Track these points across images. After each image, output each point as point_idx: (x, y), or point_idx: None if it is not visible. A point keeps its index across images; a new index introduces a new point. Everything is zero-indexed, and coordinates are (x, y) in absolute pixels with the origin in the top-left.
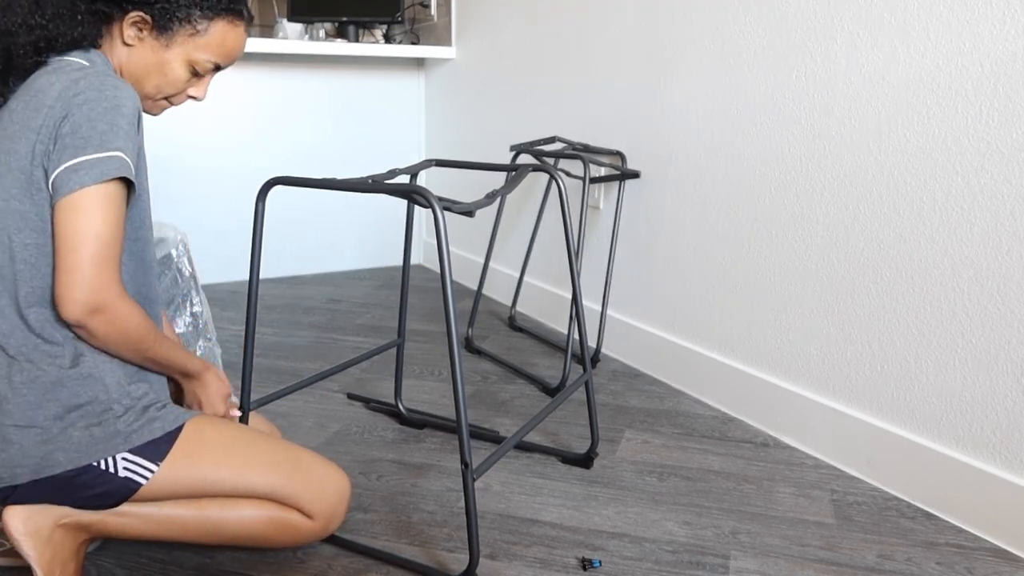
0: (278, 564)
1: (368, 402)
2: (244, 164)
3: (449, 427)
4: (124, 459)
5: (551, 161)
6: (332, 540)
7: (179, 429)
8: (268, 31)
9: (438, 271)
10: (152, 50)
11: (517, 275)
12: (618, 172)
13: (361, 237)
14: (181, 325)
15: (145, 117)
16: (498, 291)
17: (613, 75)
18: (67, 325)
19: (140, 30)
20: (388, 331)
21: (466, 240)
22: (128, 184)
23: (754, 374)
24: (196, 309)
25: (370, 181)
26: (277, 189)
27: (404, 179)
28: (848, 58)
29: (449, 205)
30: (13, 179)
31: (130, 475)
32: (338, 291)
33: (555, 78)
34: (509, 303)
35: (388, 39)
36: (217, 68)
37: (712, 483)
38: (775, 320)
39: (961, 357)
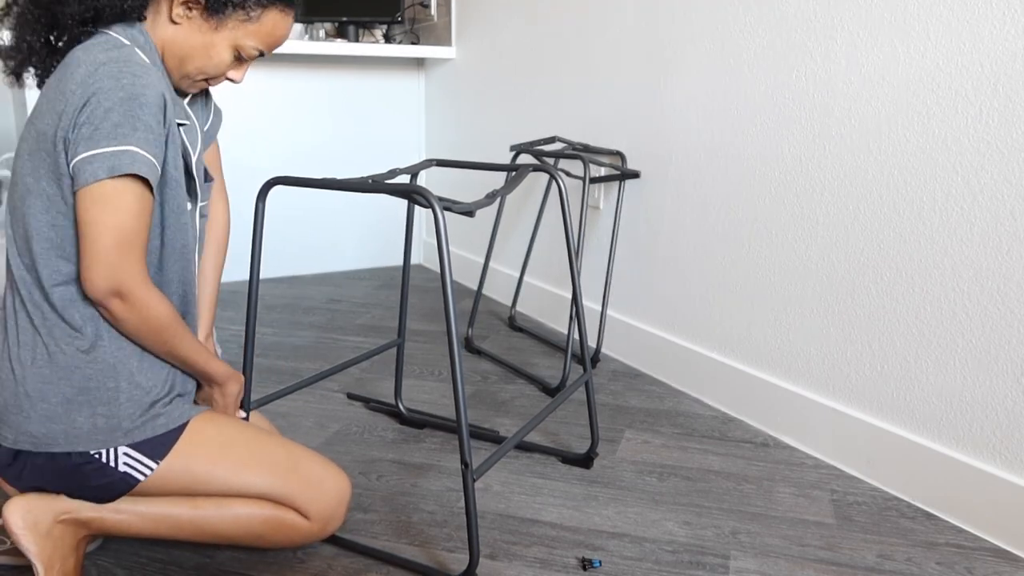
0: (278, 564)
1: (368, 402)
2: (244, 164)
3: (449, 427)
4: (125, 454)
5: (551, 161)
6: (332, 540)
7: (182, 427)
8: None
9: (438, 271)
10: (200, 31)
11: (517, 275)
12: (618, 172)
13: (361, 237)
14: None
15: None
16: (498, 291)
17: (613, 75)
18: (92, 305)
19: (190, 9)
20: (388, 331)
21: (466, 240)
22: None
23: (754, 374)
24: None
25: (370, 181)
26: (277, 189)
27: (404, 179)
28: (848, 58)
29: (449, 205)
30: (42, 160)
31: (129, 471)
32: (338, 291)
33: (555, 78)
34: (509, 303)
35: (388, 39)
36: (261, 54)
37: (712, 483)
38: (775, 320)
39: (961, 357)
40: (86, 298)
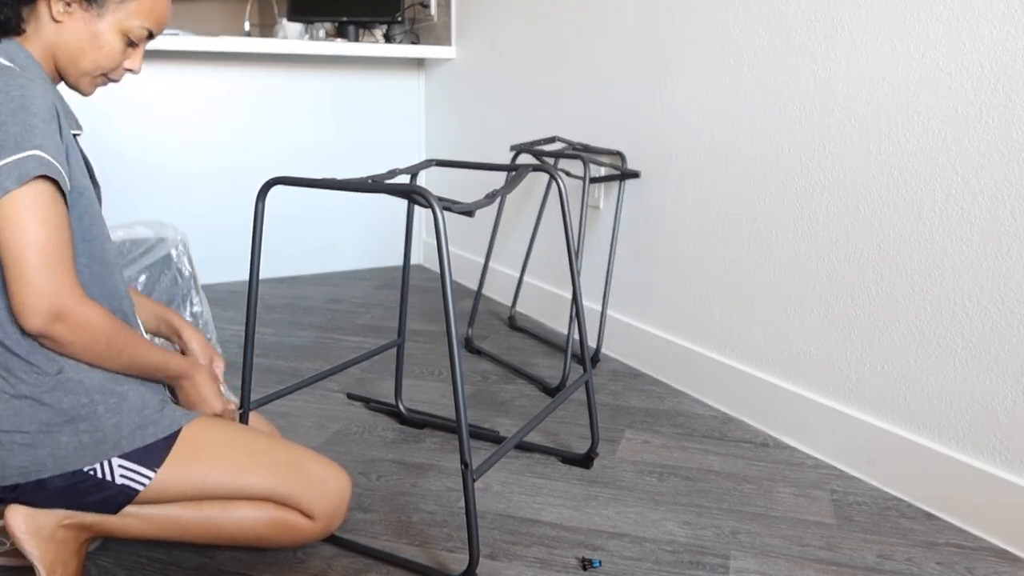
0: (278, 564)
1: (368, 402)
2: (244, 164)
3: (449, 427)
4: (121, 466)
5: (551, 161)
6: (332, 540)
7: (175, 434)
8: (268, 31)
9: (438, 271)
10: (84, 23)
11: (517, 275)
12: (618, 172)
13: (361, 237)
14: None
15: (137, 126)
16: (498, 291)
17: (613, 75)
18: (33, 338)
19: (68, 3)
20: (388, 331)
21: (466, 240)
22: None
23: (754, 374)
24: (196, 309)
25: (370, 181)
26: (277, 189)
27: (404, 179)
28: (848, 58)
29: (449, 205)
30: None
31: (127, 482)
32: (338, 291)
33: (555, 78)
34: (509, 303)
35: (388, 39)
36: (150, 35)
37: (712, 483)
38: (775, 320)
39: (961, 357)
40: (24, 332)
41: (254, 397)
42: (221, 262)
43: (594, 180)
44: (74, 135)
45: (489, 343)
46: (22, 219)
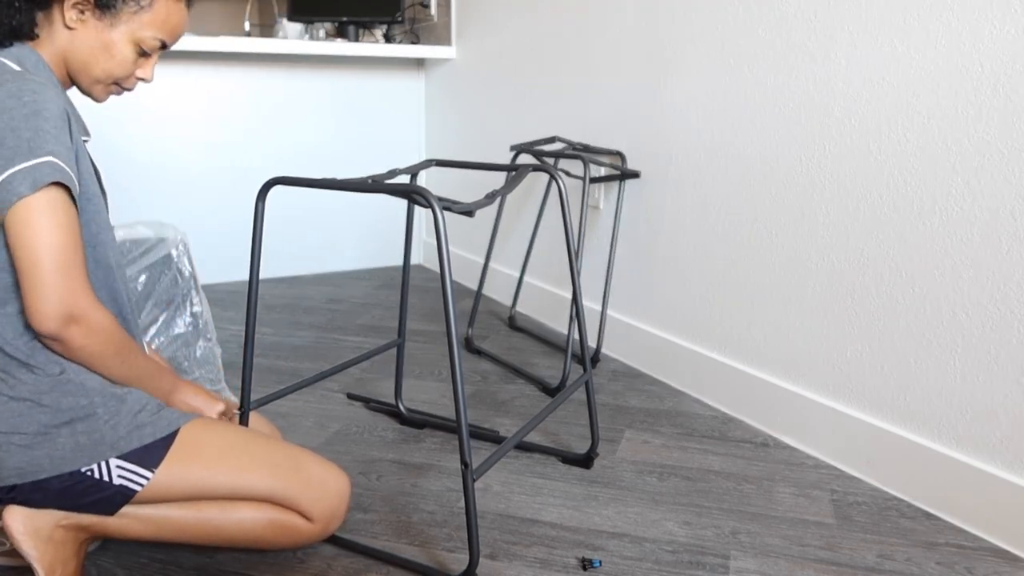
0: (278, 564)
1: (368, 402)
2: (244, 164)
3: (449, 427)
4: (119, 467)
5: (551, 161)
6: (332, 540)
7: (173, 435)
8: (268, 31)
9: (438, 271)
10: (96, 31)
11: (517, 275)
12: (618, 172)
13: (361, 237)
14: (181, 325)
15: (136, 126)
16: (498, 291)
17: (613, 75)
18: (42, 343)
19: (82, 11)
20: (388, 331)
21: (466, 240)
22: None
23: (754, 374)
24: (196, 309)
25: (370, 181)
26: (277, 189)
27: (404, 179)
28: (848, 58)
29: (449, 205)
30: None
31: (125, 483)
32: (338, 291)
33: (555, 78)
34: (509, 303)
35: (388, 39)
36: (163, 46)
37: (712, 483)
38: (775, 320)
39: (961, 357)
40: (33, 334)
41: (254, 397)
42: (221, 262)
43: (594, 180)
44: (83, 141)
45: (489, 343)
46: (37, 224)
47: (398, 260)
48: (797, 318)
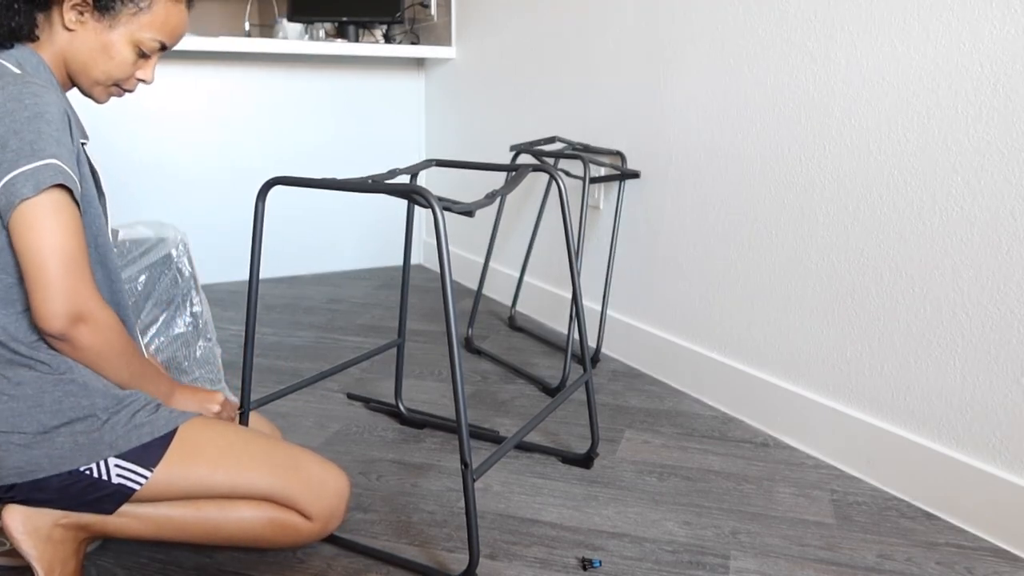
0: (278, 564)
1: (368, 402)
2: (244, 164)
3: (449, 427)
4: (117, 466)
5: (551, 161)
6: (332, 540)
7: (172, 433)
8: (268, 31)
9: (438, 271)
10: (95, 33)
11: (517, 275)
12: (618, 172)
13: (361, 237)
14: (181, 325)
15: (136, 126)
16: (498, 291)
17: (613, 75)
18: (47, 343)
19: (81, 13)
20: (388, 331)
21: (466, 240)
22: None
23: (754, 374)
24: (196, 309)
25: (370, 181)
26: (277, 189)
27: (404, 179)
28: (848, 58)
29: (449, 205)
30: None
31: (124, 482)
32: (338, 291)
33: (555, 78)
34: (509, 303)
35: (388, 39)
36: (163, 48)
37: (712, 483)
38: (775, 320)
39: (961, 357)
40: (40, 335)
41: (254, 397)
42: (221, 262)
43: (594, 180)
44: (81, 144)
45: (489, 343)
46: (42, 226)
47: (398, 260)
48: (797, 318)
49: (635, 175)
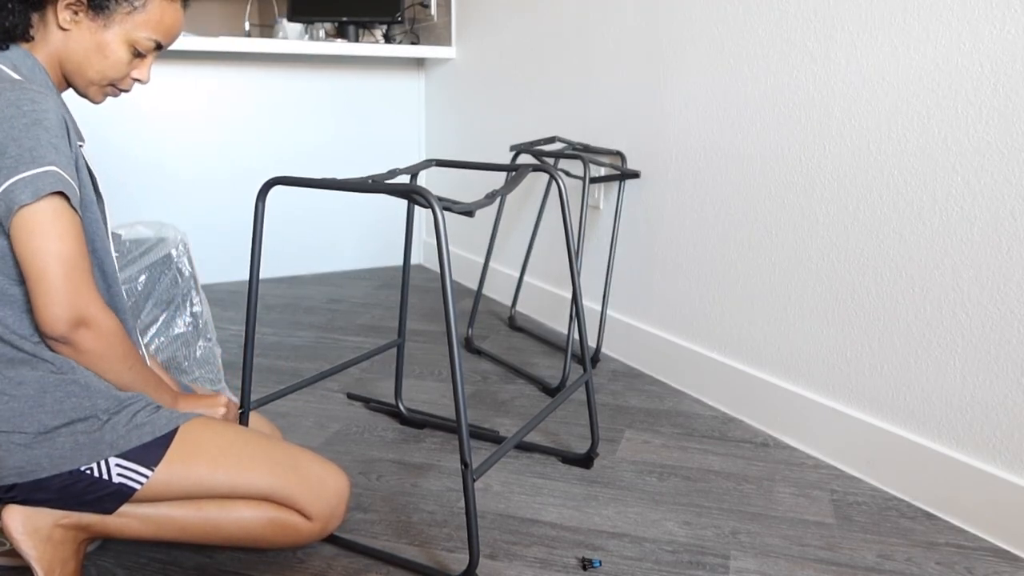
0: (278, 564)
1: (368, 402)
2: (244, 164)
3: (449, 427)
4: (118, 465)
5: (551, 161)
6: (332, 540)
7: (172, 433)
8: (268, 31)
9: (438, 271)
10: (90, 32)
11: (517, 275)
12: (618, 172)
13: (361, 237)
14: (181, 325)
15: (137, 126)
16: (498, 291)
17: (613, 75)
18: (49, 346)
19: (75, 12)
20: (388, 331)
21: (466, 240)
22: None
23: (754, 374)
24: (196, 309)
25: (370, 181)
26: (277, 189)
27: (404, 179)
28: (848, 58)
29: (449, 205)
30: None
31: (125, 481)
32: (338, 291)
33: (555, 78)
34: (509, 303)
35: (388, 39)
36: (158, 47)
37: (712, 483)
38: (775, 320)
39: (961, 357)
40: (42, 336)
41: (254, 397)
42: (221, 262)
43: (594, 180)
44: (79, 146)
45: (489, 343)
46: (42, 232)
47: (398, 260)
48: (797, 318)
49: (635, 175)
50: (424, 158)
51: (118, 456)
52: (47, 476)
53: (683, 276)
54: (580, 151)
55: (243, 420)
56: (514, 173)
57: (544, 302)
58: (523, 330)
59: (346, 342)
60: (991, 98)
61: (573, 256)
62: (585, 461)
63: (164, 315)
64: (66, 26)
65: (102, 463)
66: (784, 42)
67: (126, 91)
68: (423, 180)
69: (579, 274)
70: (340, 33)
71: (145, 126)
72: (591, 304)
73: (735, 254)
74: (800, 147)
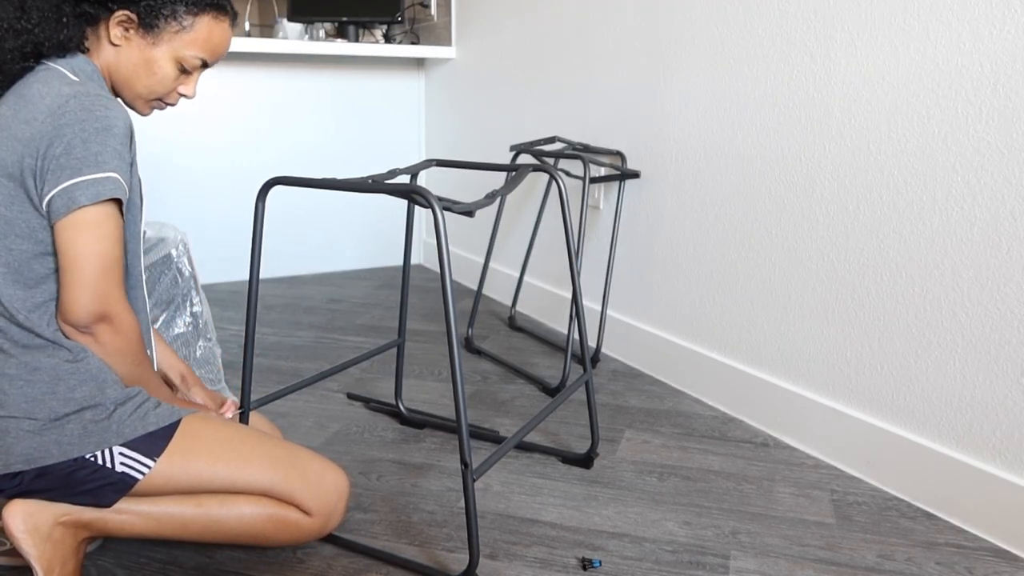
0: (278, 564)
1: (368, 402)
2: (244, 164)
3: (449, 427)
4: (121, 454)
5: (551, 161)
6: (332, 540)
7: (175, 425)
8: (268, 31)
9: (438, 271)
10: (139, 49)
11: (517, 275)
12: (618, 172)
13: (361, 237)
14: (181, 325)
15: (138, 125)
16: (498, 291)
17: (613, 75)
18: (66, 333)
19: (126, 29)
20: (388, 331)
21: (466, 240)
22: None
23: (754, 374)
24: (196, 309)
25: (370, 181)
26: (277, 189)
27: (404, 179)
28: (848, 58)
29: (449, 205)
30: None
31: (127, 470)
32: (338, 291)
33: (555, 78)
34: (509, 303)
35: (388, 39)
36: (204, 65)
37: (712, 483)
38: (775, 320)
39: (961, 357)
40: (57, 323)
41: (254, 397)
42: (221, 262)
43: (594, 180)
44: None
45: (489, 343)
46: (89, 232)
47: (398, 260)
48: (797, 318)
49: (635, 175)
50: (424, 158)
51: (122, 445)
52: (53, 463)
53: (683, 276)
54: (580, 151)
55: (243, 420)
56: (514, 173)
57: (544, 302)
58: (523, 330)
59: (346, 342)
60: (991, 98)
61: (573, 256)
62: (585, 461)
63: (164, 315)
64: (117, 42)
65: (106, 451)
66: (784, 42)
67: (172, 105)
68: (423, 180)
69: (579, 274)
70: (340, 33)
71: (145, 126)
72: (591, 304)
73: (735, 254)
74: (800, 147)
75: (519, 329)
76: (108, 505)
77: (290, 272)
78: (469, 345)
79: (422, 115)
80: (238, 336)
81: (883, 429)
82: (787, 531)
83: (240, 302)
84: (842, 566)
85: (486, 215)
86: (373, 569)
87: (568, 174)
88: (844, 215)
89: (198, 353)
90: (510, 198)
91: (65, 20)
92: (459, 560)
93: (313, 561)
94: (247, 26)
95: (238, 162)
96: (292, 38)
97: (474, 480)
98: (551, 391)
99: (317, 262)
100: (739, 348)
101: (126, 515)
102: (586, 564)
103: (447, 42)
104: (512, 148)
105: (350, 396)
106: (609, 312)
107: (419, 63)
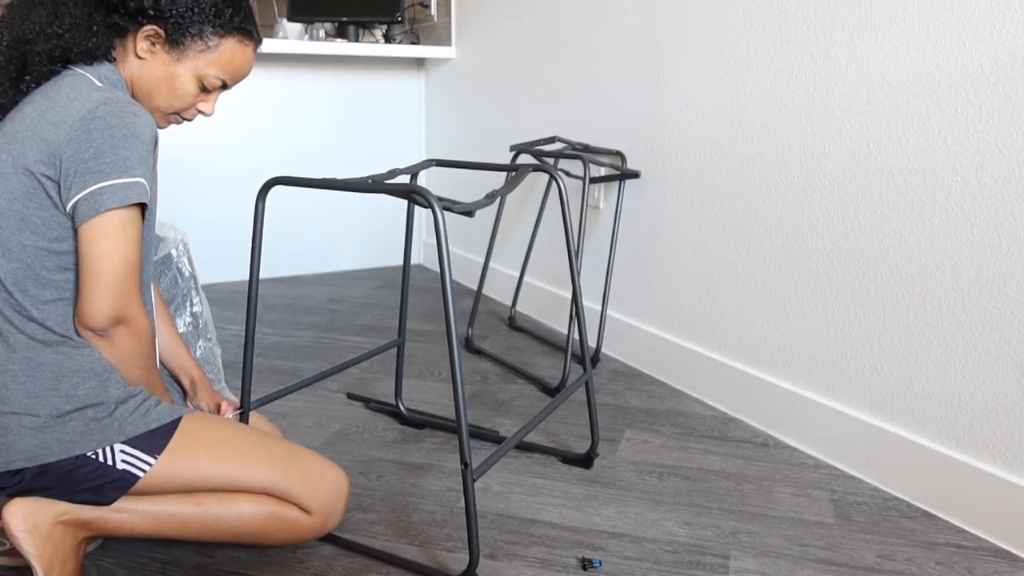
0: (278, 564)
1: (368, 402)
2: (244, 164)
3: (449, 427)
4: (122, 452)
5: (551, 161)
6: (332, 540)
7: (175, 423)
8: (268, 31)
9: (438, 271)
10: (163, 64)
11: (517, 275)
12: (618, 172)
13: (361, 237)
14: (181, 325)
15: None
16: (498, 291)
17: (613, 75)
18: (81, 335)
19: (153, 44)
20: (388, 331)
21: (466, 240)
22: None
23: (754, 374)
24: (196, 309)
25: (370, 181)
26: (277, 189)
27: (404, 179)
28: (848, 58)
29: (449, 205)
30: (18, 182)
31: (128, 468)
32: (338, 291)
33: (555, 78)
34: (509, 303)
35: (388, 39)
36: (224, 86)
37: (712, 483)
38: (775, 320)
39: (961, 357)
40: (69, 321)
41: (254, 397)
42: (221, 262)
43: (594, 180)
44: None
45: (489, 343)
46: (113, 235)
47: (398, 260)
48: (797, 318)
49: (635, 175)
50: (424, 158)
51: (124, 443)
52: (54, 460)
53: (683, 276)
54: (580, 151)
55: (243, 420)
56: (514, 173)
57: (544, 302)
58: (523, 330)
59: (346, 342)
60: (991, 98)
61: (573, 256)
62: (585, 461)
63: None
64: (143, 55)
65: (107, 449)
66: (784, 42)
67: (189, 120)
68: (423, 180)
69: (579, 274)
70: (340, 33)
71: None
72: (591, 304)
73: (735, 254)
74: (800, 147)
75: (519, 329)
76: (108, 503)
77: (290, 272)
78: (469, 345)
79: (422, 115)
80: (238, 336)
81: (883, 429)
82: (787, 531)
83: (240, 302)
84: (842, 566)
85: (486, 215)
86: (373, 569)
87: (568, 174)
88: (844, 215)
89: (198, 353)
90: (510, 198)
91: (95, 29)
92: (459, 560)
93: (313, 561)
94: None
95: (238, 162)
96: (292, 38)
97: (474, 480)
98: (551, 391)
99: (317, 262)
100: (739, 348)
101: (126, 514)
102: (586, 564)
103: (447, 42)
104: (512, 148)
105: (350, 396)
106: (609, 312)
107: (419, 63)
